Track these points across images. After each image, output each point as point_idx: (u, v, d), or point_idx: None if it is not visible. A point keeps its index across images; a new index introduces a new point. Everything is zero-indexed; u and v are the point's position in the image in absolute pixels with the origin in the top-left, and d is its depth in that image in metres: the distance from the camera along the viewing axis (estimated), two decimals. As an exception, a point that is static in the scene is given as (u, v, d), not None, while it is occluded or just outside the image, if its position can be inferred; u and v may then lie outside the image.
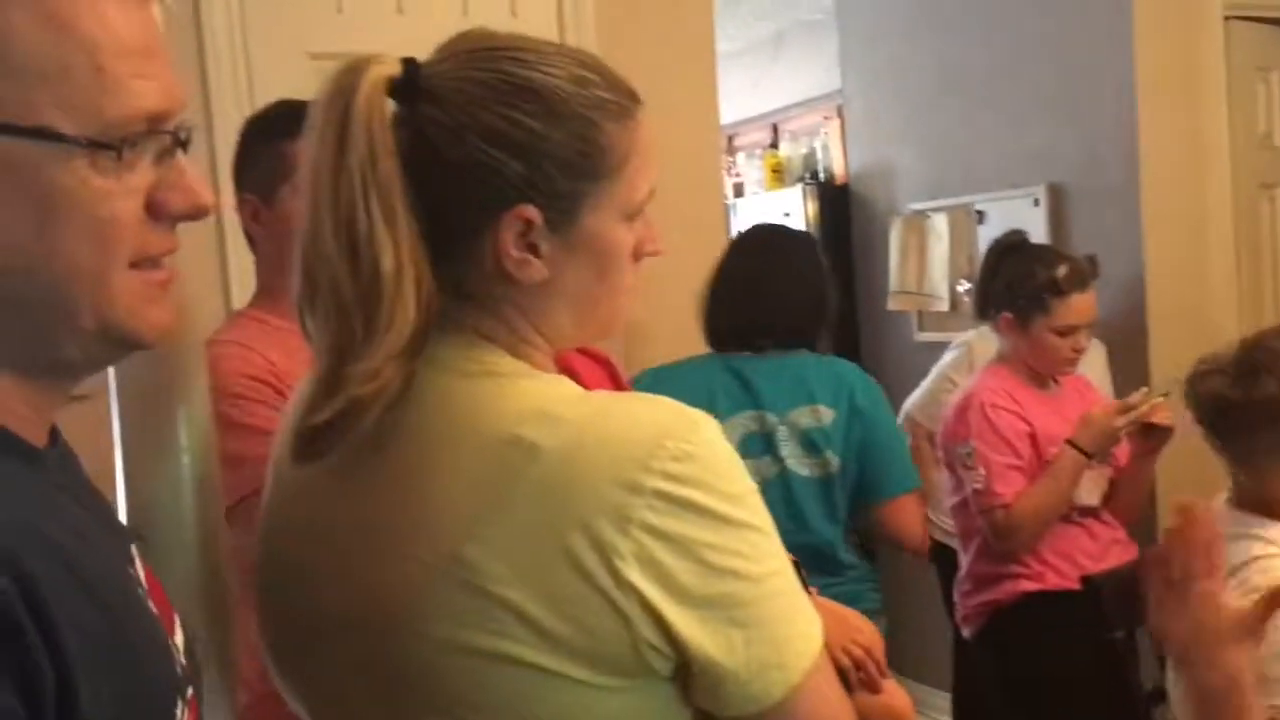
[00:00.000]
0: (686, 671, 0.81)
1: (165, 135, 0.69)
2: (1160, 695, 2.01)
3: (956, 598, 2.59)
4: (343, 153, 0.80)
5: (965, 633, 2.54)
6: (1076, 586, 2.20)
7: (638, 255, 0.91)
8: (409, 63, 0.84)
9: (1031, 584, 2.38)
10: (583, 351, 1.40)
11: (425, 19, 2.28)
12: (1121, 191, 3.13)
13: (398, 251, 0.80)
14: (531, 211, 0.84)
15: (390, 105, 0.83)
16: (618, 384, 1.52)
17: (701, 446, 0.81)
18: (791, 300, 2.17)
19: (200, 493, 1.28)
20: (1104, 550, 2.41)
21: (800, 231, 2.84)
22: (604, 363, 1.50)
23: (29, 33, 0.63)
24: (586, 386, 0.91)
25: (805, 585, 1.57)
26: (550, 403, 0.83)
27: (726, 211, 2.94)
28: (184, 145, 0.71)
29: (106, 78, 0.65)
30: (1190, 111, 3.09)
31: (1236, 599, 1.59)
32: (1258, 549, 1.62)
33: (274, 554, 0.94)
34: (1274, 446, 1.67)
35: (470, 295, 0.87)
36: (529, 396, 0.83)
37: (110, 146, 0.65)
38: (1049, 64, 3.32)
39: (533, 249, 0.85)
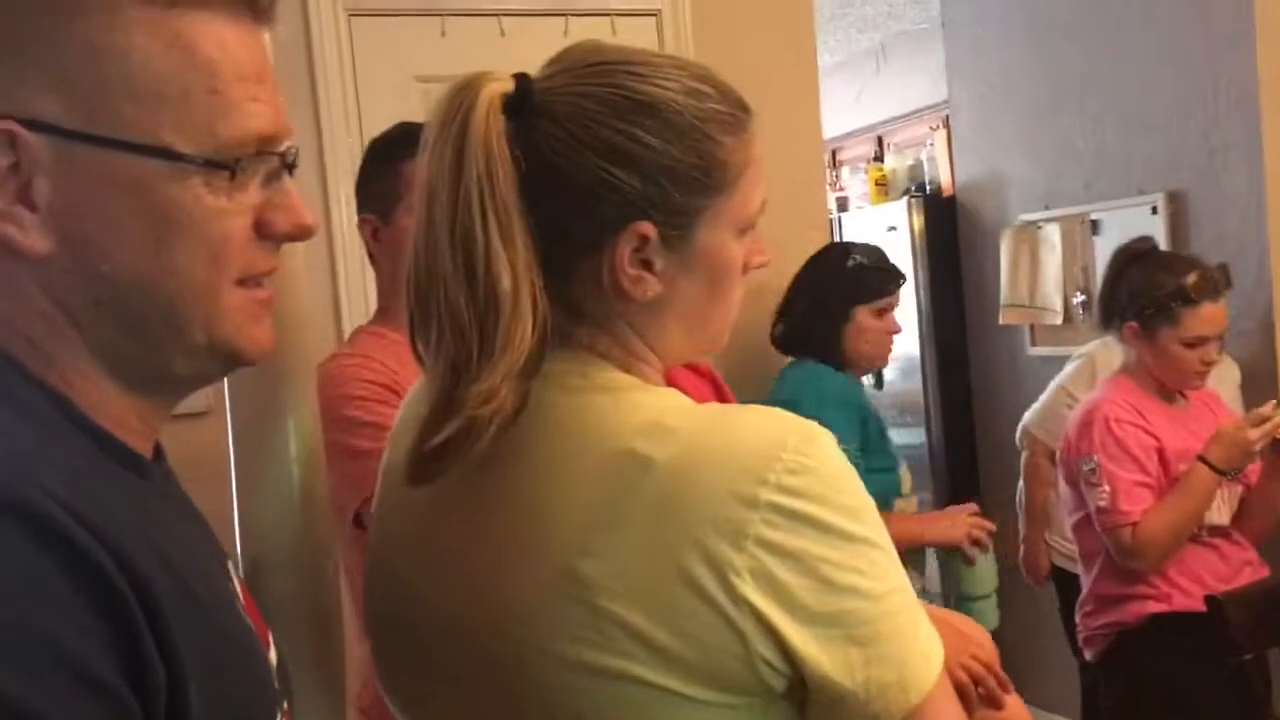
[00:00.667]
0: (803, 690, 0.79)
1: (274, 157, 0.71)
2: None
3: (1079, 619, 2.49)
4: (460, 171, 0.80)
5: (1088, 655, 2.45)
6: (1203, 608, 2.10)
7: (747, 269, 0.90)
8: (522, 79, 0.84)
9: (1158, 605, 2.28)
10: (687, 366, 1.39)
11: (527, 40, 2.31)
12: (1245, 198, 3.01)
13: (515, 270, 0.79)
14: (648, 228, 0.83)
15: (504, 122, 0.82)
16: (723, 398, 1.51)
17: (817, 459, 0.79)
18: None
19: (307, 510, 1.30)
20: (1234, 572, 2.30)
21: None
22: (708, 377, 1.50)
23: (152, 56, 0.66)
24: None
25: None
26: (663, 415, 0.82)
27: (830, 225, 2.91)
28: (291, 168, 0.73)
29: (222, 100, 0.68)
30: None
31: None
32: None
33: (385, 569, 0.95)
34: None
35: (585, 312, 0.86)
36: (642, 410, 0.82)
37: (225, 166, 0.68)
38: (1166, 69, 3.22)
39: (648, 265, 0.84)
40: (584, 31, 2.26)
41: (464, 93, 0.81)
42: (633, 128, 0.82)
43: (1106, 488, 2.29)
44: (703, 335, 0.91)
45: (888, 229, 4.29)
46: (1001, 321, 3.79)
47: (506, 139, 0.81)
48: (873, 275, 2.47)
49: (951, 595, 2.27)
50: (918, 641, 0.80)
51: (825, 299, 2.44)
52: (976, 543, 2.24)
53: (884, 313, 2.42)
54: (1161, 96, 3.24)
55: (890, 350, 2.48)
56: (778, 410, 0.83)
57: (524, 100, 0.83)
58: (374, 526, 0.97)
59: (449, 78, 0.85)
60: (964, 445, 4.08)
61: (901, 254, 4.18)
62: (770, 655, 0.77)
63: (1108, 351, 2.76)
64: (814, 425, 0.81)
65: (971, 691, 1.41)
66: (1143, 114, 3.31)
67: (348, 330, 2.05)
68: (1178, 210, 3.21)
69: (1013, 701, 1.46)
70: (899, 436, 4.30)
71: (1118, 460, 2.29)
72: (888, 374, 4.39)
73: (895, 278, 2.47)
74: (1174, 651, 2.23)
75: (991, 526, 2.28)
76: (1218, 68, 3.06)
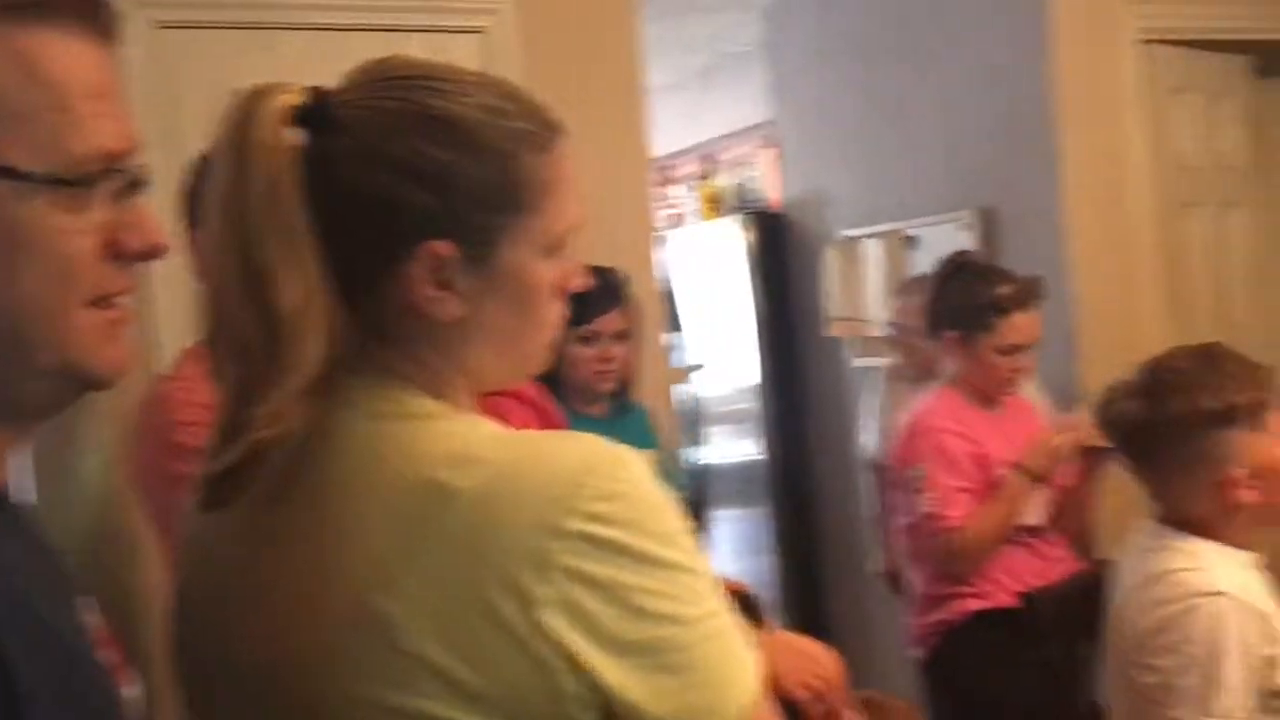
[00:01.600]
0: None
1: (122, 174, 0.69)
2: (1096, 712, 2.02)
3: (909, 619, 2.60)
4: (242, 185, 0.77)
5: (918, 653, 2.55)
6: (1020, 604, 2.22)
7: (561, 290, 0.89)
8: (315, 90, 0.82)
9: (979, 603, 2.39)
10: (509, 393, 1.37)
11: (352, 55, 2.26)
12: (1046, 213, 3.18)
13: (300, 290, 0.77)
14: (445, 247, 0.81)
15: (296, 135, 0.80)
16: (549, 424, 1.50)
17: (628, 484, 0.77)
18: None
19: (106, 542, 1.24)
20: (1049, 568, 2.43)
21: None
22: (532, 402, 1.48)
23: None
24: (512, 428, 0.89)
25: (761, 620, 1.57)
26: (470, 443, 0.79)
27: (657, 243, 2.95)
28: (140, 185, 0.71)
29: (68, 118, 0.66)
30: (1110, 133, 3.17)
31: (1147, 610, 1.63)
32: (1179, 561, 1.64)
33: (186, 603, 0.91)
34: (1185, 463, 1.66)
35: (386, 334, 0.83)
36: (446, 438, 0.80)
37: (70, 183, 0.66)
38: (973, 90, 3.39)
39: (448, 285, 0.82)
40: (411, 47, 2.24)
41: (248, 104, 0.79)
42: (428, 144, 0.80)
43: (930, 494, 2.40)
44: (516, 358, 0.89)
45: (719, 245, 4.39)
46: (828, 334, 3.92)
47: (299, 152, 0.79)
48: (573, 302, 2.34)
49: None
50: (733, 666, 0.79)
51: None
52: None
53: (590, 340, 2.24)
54: (969, 117, 3.40)
55: (606, 377, 2.28)
56: (589, 436, 0.81)
57: (316, 112, 0.81)
58: (178, 559, 0.93)
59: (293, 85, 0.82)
60: (797, 455, 4.20)
61: (734, 269, 4.29)
62: (578, 689, 0.75)
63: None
64: (625, 451, 0.79)
65: (813, 708, 1.45)
66: (952, 133, 3.47)
67: (162, 351, 1.97)
68: (987, 226, 3.38)
69: (852, 716, 1.51)
70: (734, 449, 4.41)
71: (941, 468, 2.40)
72: (720, 386, 4.51)
73: (600, 303, 2.25)
74: (994, 645, 2.34)
75: None
76: (1018, 89, 3.23)
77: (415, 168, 0.80)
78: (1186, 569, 1.63)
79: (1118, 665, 1.72)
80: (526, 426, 1.42)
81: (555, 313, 0.90)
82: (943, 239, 3.38)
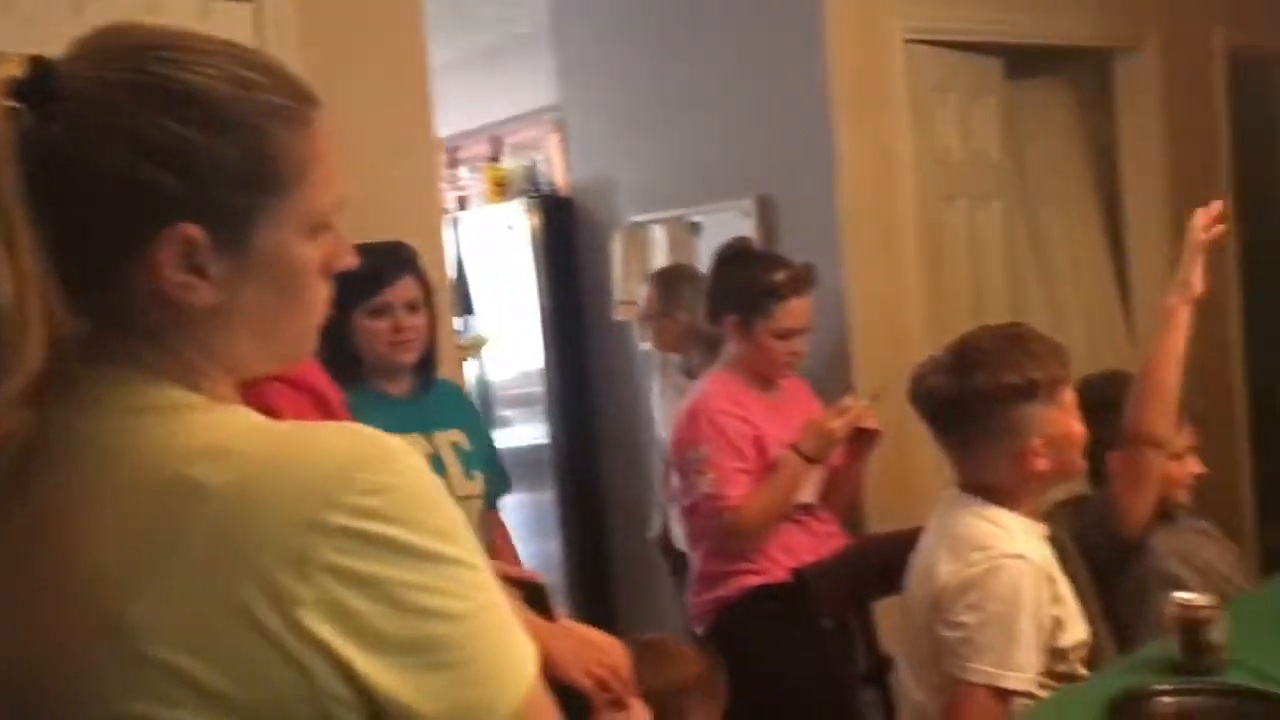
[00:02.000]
0: None
1: None
2: (868, 677, 2.14)
3: (689, 597, 2.67)
4: None
5: (699, 629, 2.62)
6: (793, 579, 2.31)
7: (328, 271, 0.85)
8: (38, 62, 0.75)
9: (756, 579, 2.49)
10: (282, 380, 1.31)
11: (106, 20, 2.12)
12: (820, 204, 3.31)
13: (19, 282, 0.71)
14: (193, 230, 0.76)
15: (13, 111, 0.73)
16: (327, 412, 1.44)
17: (398, 477, 0.74)
18: None
19: None
20: (820, 544, 2.54)
21: None
22: (309, 390, 1.42)
23: None
24: (283, 419, 0.85)
25: (550, 610, 1.57)
26: (226, 436, 0.75)
27: (444, 225, 2.90)
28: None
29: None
30: (879, 128, 3.31)
31: (953, 570, 1.76)
32: (983, 526, 1.79)
33: None
34: (989, 434, 1.81)
35: (133, 324, 0.78)
36: (200, 431, 0.75)
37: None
38: (752, 80, 3.47)
39: (199, 271, 0.77)
40: (172, 14, 2.10)
41: None
42: (166, 119, 0.75)
43: (711, 475, 2.46)
44: (279, 345, 0.85)
45: (506, 228, 4.36)
46: (615, 318, 3.96)
47: (16, 129, 0.73)
48: (359, 278, 2.23)
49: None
50: (506, 660, 0.77)
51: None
52: None
53: (382, 312, 2.18)
54: (751, 106, 3.49)
55: (404, 349, 2.21)
56: (357, 427, 0.78)
57: (39, 86, 0.74)
58: None
59: (13, 55, 0.75)
60: (584, 439, 4.22)
61: (520, 253, 4.26)
62: (341, 692, 0.72)
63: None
64: (395, 441, 0.77)
65: (596, 697, 1.46)
66: (735, 122, 3.55)
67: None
68: (767, 214, 3.49)
69: (636, 704, 1.53)
70: (520, 433, 4.40)
71: (721, 450, 2.47)
72: (506, 370, 4.49)
73: (388, 272, 2.18)
74: (770, 619, 2.44)
75: None
76: (797, 81, 3.34)
77: (153, 146, 0.74)
78: (990, 533, 1.77)
79: (918, 622, 1.84)
80: (302, 416, 1.36)
81: (321, 295, 0.86)
82: (725, 225, 3.46)
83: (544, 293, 4.22)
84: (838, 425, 2.47)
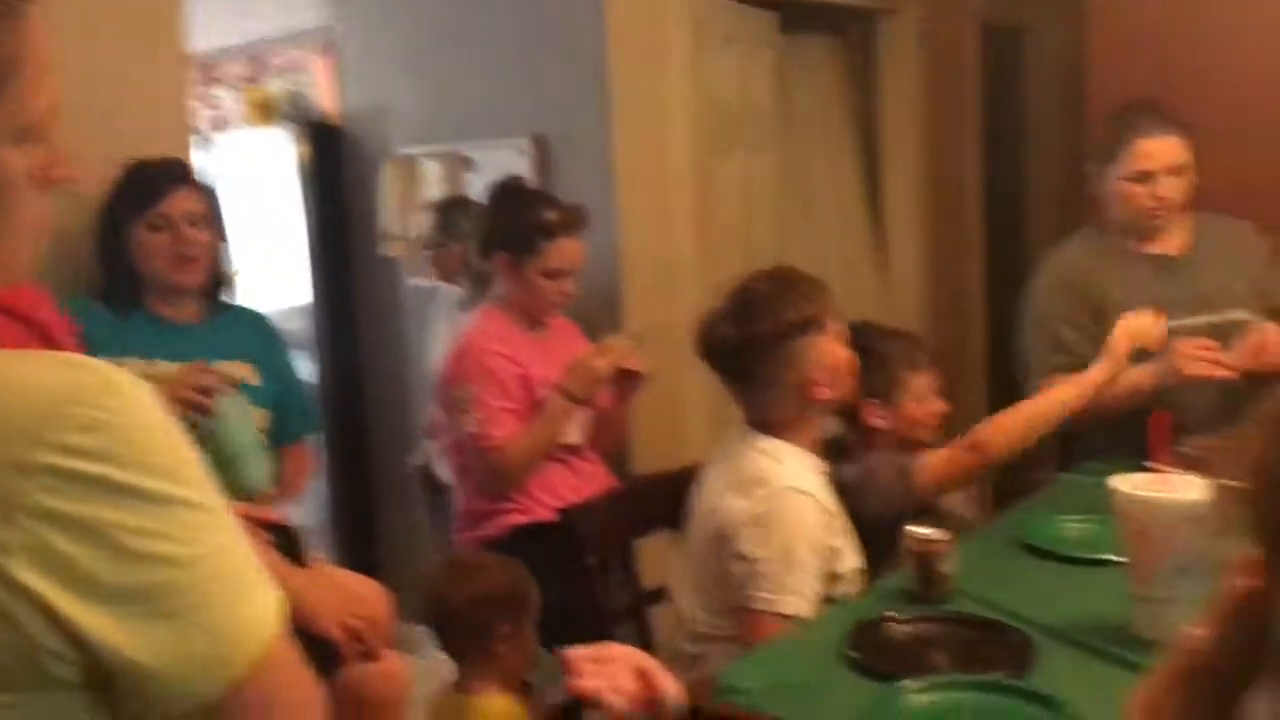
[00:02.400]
0: (105, 675, 0.70)
1: None
2: (626, 615, 2.19)
3: (453, 535, 2.65)
4: None
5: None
6: (556, 519, 2.33)
7: (41, 183, 0.78)
8: None
9: (520, 518, 2.49)
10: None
11: None
12: (596, 147, 3.30)
13: None
14: None
15: None
16: (49, 341, 1.32)
17: (118, 413, 0.69)
18: None
19: None
20: (585, 484, 2.57)
21: None
22: (23, 316, 1.29)
23: None
24: None
25: (303, 556, 1.51)
26: None
27: (197, 145, 2.71)
28: None
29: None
30: (657, 75, 3.31)
31: (739, 504, 1.85)
32: (766, 460, 1.90)
33: None
34: (776, 371, 1.92)
35: None
36: None
37: None
38: (533, 17, 3.42)
39: None
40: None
41: None
42: None
43: (476, 414, 2.44)
44: None
45: (270, 155, 4.14)
46: (383, 253, 3.85)
47: None
48: (136, 188, 2.08)
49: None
50: (240, 610, 0.74)
51: (104, 224, 2.09)
52: (205, 394, 1.98)
53: (160, 226, 2.06)
54: (531, 44, 3.44)
55: (187, 269, 2.09)
56: (72, 357, 0.73)
57: None
58: None
59: None
60: (351, 376, 4.10)
61: (286, 181, 4.06)
62: (54, 644, 0.67)
63: None
64: (117, 373, 0.72)
65: (352, 649, 1.42)
66: (514, 59, 3.49)
67: None
68: (541, 153, 3.46)
69: (391, 654, 1.50)
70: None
71: (487, 389, 2.45)
72: (268, 304, 4.28)
73: (164, 182, 2.08)
74: (534, 557, 2.43)
75: (212, 380, 2.02)
76: (578, 23, 3.31)
77: None
78: (772, 468, 1.88)
79: (702, 554, 1.92)
80: (21, 345, 1.25)
81: (35, 211, 0.78)
82: (500, 162, 3.42)
83: (310, 224, 4.04)
84: (601, 364, 2.49)
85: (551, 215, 2.51)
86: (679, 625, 1.98)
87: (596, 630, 2.06)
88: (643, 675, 1.19)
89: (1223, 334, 2.41)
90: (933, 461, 2.11)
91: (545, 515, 2.45)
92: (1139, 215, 2.50)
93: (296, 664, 0.78)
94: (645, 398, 2.71)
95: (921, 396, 2.28)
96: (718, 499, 1.91)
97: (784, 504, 1.84)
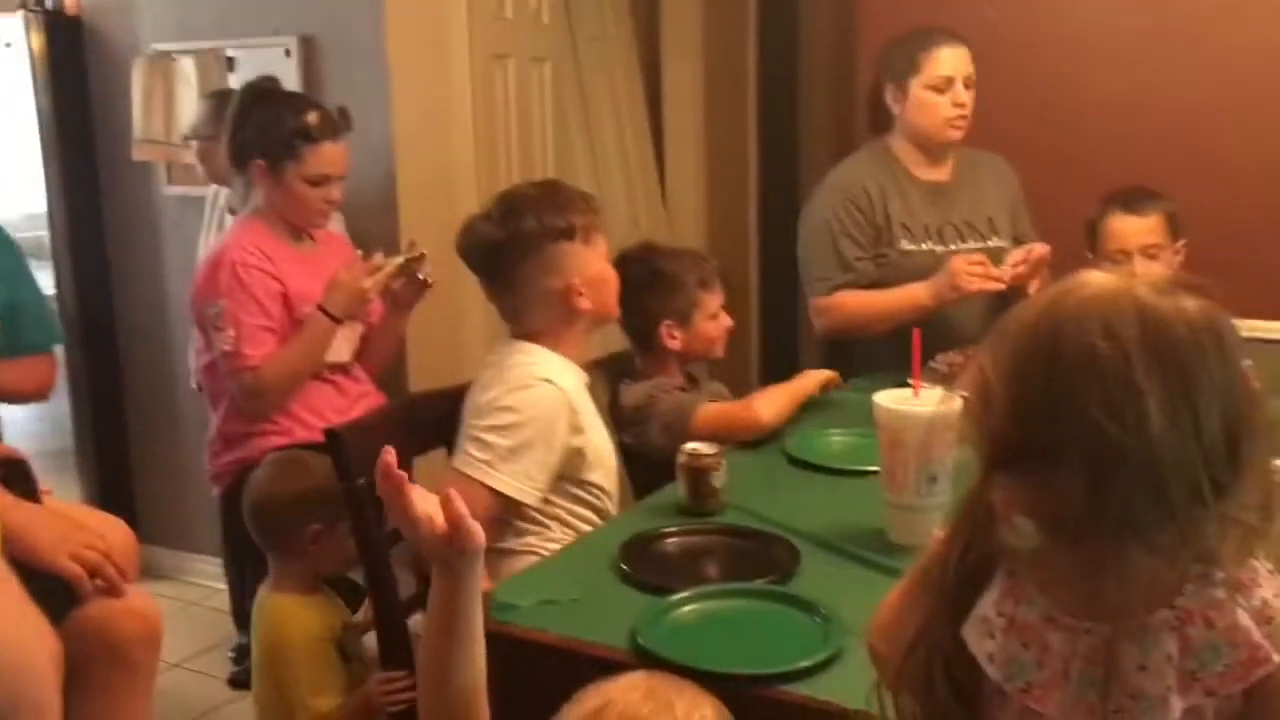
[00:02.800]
0: None
1: None
2: (399, 537, 2.13)
3: (207, 458, 2.51)
4: None
5: (216, 491, 2.48)
6: (322, 439, 2.23)
7: None
8: None
9: (280, 439, 2.38)
10: None
11: None
12: (370, 53, 3.14)
13: None
14: None
15: None
16: None
17: None
18: None
19: None
20: (352, 404, 2.48)
21: None
22: None
23: None
24: None
25: (34, 488, 1.38)
26: None
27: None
28: None
29: None
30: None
31: (490, 391, 1.86)
32: (523, 358, 1.92)
33: None
34: (533, 275, 1.92)
35: None
36: None
37: None
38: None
39: None
40: None
41: None
42: None
43: (231, 332, 2.30)
44: None
45: (3, 45, 3.74)
46: (135, 157, 3.55)
47: None
48: None
49: None
50: None
51: None
52: None
53: None
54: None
55: None
56: None
57: None
58: None
59: None
60: (99, 290, 3.80)
61: (19, 76, 3.68)
62: None
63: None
64: None
65: (85, 583, 1.32)
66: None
67: None
68: (310, 55, 3.26)
69: (134, 589, 1.40)
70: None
71: (242, 305, 2.31)
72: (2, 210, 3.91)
73: None
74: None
75: None
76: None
77: None
78: (527, 362, 1.91)
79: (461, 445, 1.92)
80: None
81: None
82: (264, 64, 3.20)
83: (48, 125, 3.68)
84: (367, 284, 2.39)
85: (311, 117, 2.37)
86: None
87: (368, 554, 2.00)
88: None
89: (991, 258, 2.53)
90: (711, 410, 2.15)
91: (306, 436, 2.34)
92: (941, 125, 2.57)
93: (10, 602, 0.71)
94: (422, 313, 2.63)
95: (713, 314, 2.32)
96: (474, 394, 1.93)
97: (526, 389, 1.86)
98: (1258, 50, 2.90)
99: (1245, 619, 0.88)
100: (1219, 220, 2.86)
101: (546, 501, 1.90)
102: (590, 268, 1.95)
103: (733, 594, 1.51)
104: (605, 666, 1.35)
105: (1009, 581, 0.96)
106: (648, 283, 2.25)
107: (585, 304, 1.95)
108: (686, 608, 1.48)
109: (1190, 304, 0.87)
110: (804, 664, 1.30)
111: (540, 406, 1.85)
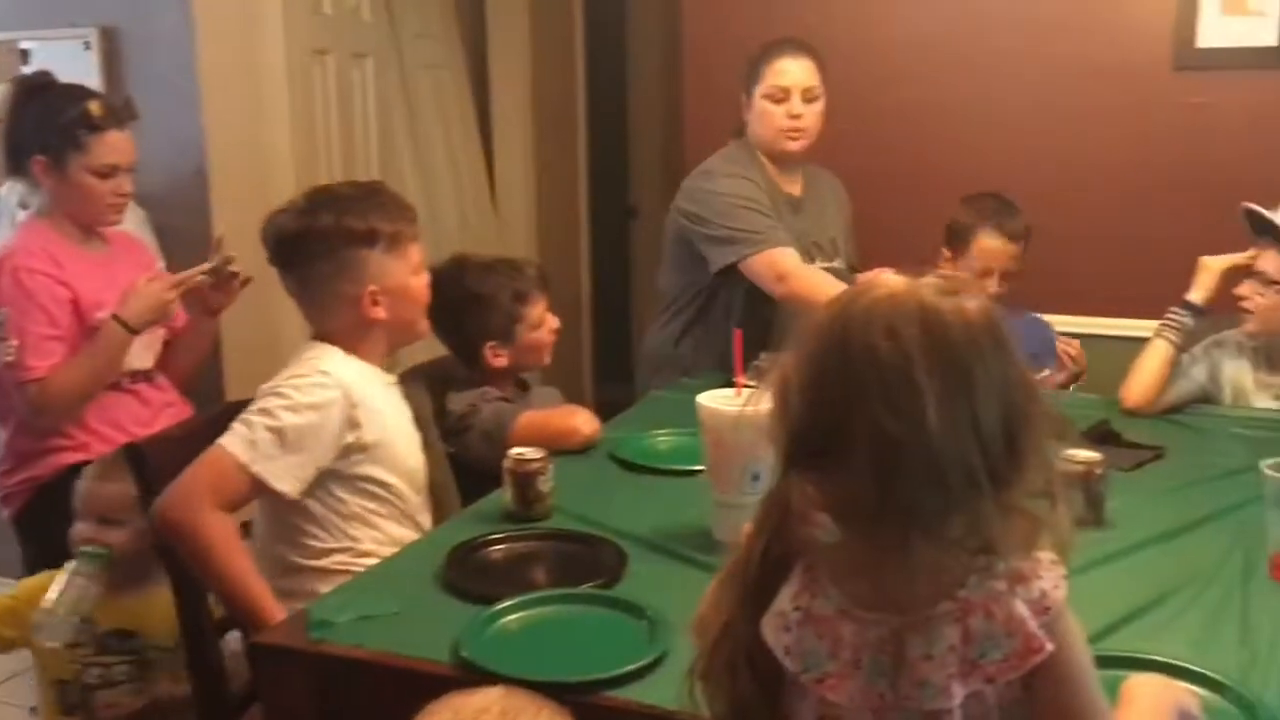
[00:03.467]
0: None
1: None
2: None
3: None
4: None
5: (7, 513, 2.31)
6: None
7: None
8: None
9: (76, 455, 2.22)
10: None
11: None
12: (177, 45, 3.00)
13: None
14: None
15: None
16: None
17: None
18: None
19: None
20: (155, 415, 2.34)
21: None
22: None
23: None
24: None
25: None
26: None
27: None
28: None
29: None
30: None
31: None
32: (310, 354, 1.84)
33: None
34: (328, 275, 1.84)
35: None
36: None
37: None
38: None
39: None
40: None
41: None
42: None
43: (15, 342, 2.15)
44: None
45: None
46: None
47: None
48: None
49: None
50: None
51: None
52: None
53: None
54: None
55: None
56: None
57: None
58: None
59: None
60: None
61: None
62: None
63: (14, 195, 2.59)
64: None
65: None
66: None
67: None
68: (111, 47, 3.09)
69: None
70: None
71: (27, 313, 2.16)
72: None
73: None
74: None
75: None
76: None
77: None
78: (312, 358, 1.83)
79: None
80: None
81: None
82: (62, 57, 3.02)
83: None
84: (172, 296, 2.27)
85: (93, 106, 2.23)
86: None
87: (173, 571, 1.89)
88: None
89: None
90: (530, 419, 2.12)
91: (104, 450, 2.17)
92: (776, 135, 2.59)
93: None
94: (237, 316, 2.51)
95: (536, 323, 2.27)
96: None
97: (301, 381, 1.78)
98: (1088, 59, 3.06)
99: (1022, 609, 0.91)
100: (1056, 222, 3.02)
101: (340, 501, 1.81)
102: (391, 278, 1.87)
103: (558, 600, 1.49)
104: (428, 682, 1.32)
105: (806, 576, 0.98)
106: (462, 305, 2.21)
107: (380, 313, 1.86)
108: (511, 616, 1.44)
109: (971, 304, 0.92)
110: (630, 668, 1.29)
111: (313, 396, 1.76)
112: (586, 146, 4.71)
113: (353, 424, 1.80)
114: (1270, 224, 2.24)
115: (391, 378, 1.96)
